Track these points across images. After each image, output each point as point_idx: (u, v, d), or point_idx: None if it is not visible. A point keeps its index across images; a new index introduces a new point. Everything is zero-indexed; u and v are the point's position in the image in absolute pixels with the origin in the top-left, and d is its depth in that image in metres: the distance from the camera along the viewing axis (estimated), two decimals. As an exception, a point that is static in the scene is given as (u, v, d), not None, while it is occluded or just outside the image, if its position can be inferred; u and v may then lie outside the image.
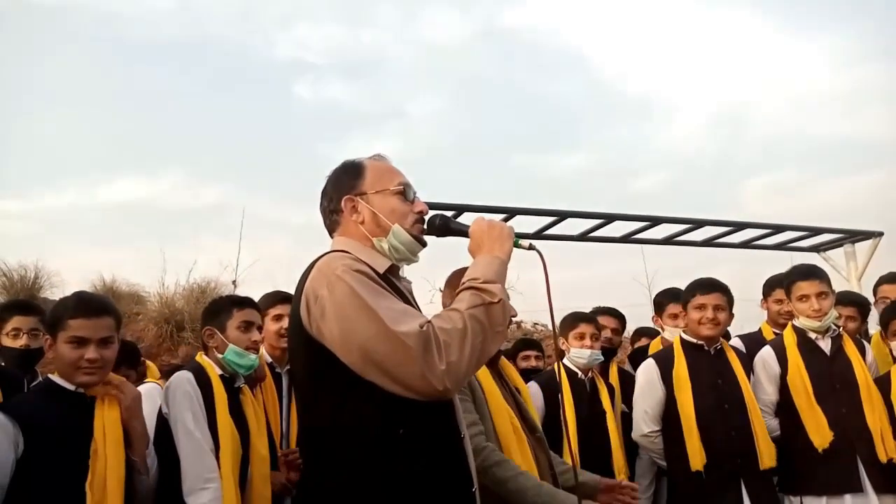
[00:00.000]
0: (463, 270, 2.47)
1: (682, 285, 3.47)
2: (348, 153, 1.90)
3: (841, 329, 3.45)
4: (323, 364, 1.60)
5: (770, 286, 4.07)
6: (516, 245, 1.80)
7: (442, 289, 2.55)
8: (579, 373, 3.50)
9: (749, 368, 3.33)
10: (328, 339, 1.59)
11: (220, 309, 2.77)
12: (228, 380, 2.68)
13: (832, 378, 3.23)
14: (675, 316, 3.88)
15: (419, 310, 1.84)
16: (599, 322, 3.65)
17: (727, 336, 3.97)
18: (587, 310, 4.06)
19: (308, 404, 1.73)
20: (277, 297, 3.31)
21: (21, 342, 3.11)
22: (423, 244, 1.85)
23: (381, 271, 1.73)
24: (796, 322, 3.39)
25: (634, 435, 3.35)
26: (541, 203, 4.23)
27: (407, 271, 1.94)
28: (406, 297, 1.78)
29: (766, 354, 3.39)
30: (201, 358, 2.71)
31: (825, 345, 3.32)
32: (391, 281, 1.76)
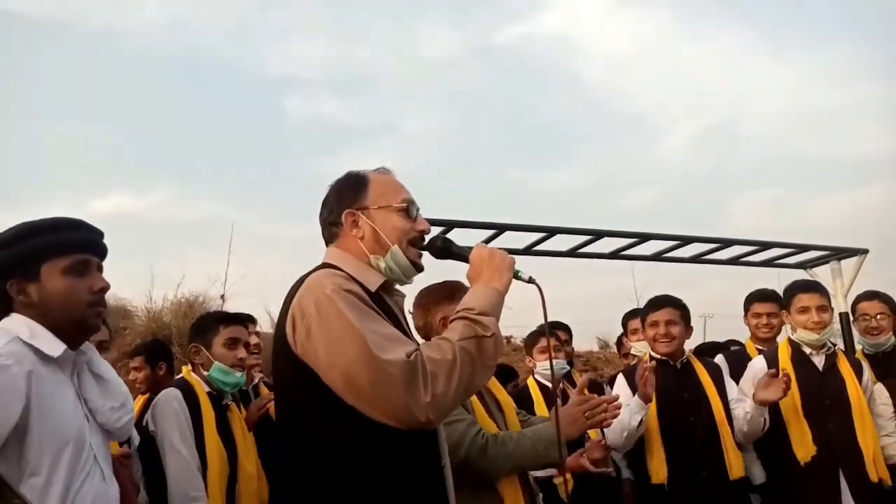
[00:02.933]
0: (432, 288, 2.53)
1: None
2: (340, 168, 1.88)
3: (836, 347, 3.47)
4: (305, 383, 1.57)
5: (749, 301, 4.11)
6: (516, 276, 1.77)
7: (412, 310, 2.54)
8: (550, 385, 3.60)
9: (721, 381, 3.32)
10: (312, 360, 1.56)
11: (207, 325, 2.75)
12: (216, 397, 2.66)
13: (822, 394, 3.24)
14: (636, 331, 3.98)
15: (409, 327, 1.84)
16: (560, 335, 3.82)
17: (712, 353, 4.01)
18: (576, 325, 4.21)
19: (289, 422, 1.70)
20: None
21: None
22: (419, 269, 1.83)
23: (374, 289, 1.70)
24: (793, 335, 3.42)
25: (609, 443, 3.33)
26: (532, 218, 4.24)
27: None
28: (397, 317, 1.75)
29: (758, 363, 3.40)
30: (189, 374, 2.69)
31: (818, 360, 3.34)
32: (383, 299, 1.73)
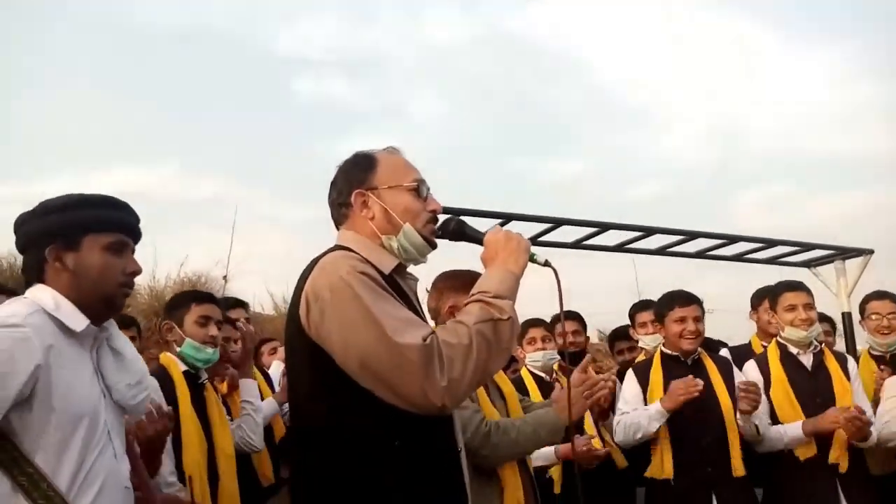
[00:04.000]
0: (451, 274, 2.52)
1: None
2: (346, 150, 1.84)
3: (822, 345, 3.50)
4: (320, 366, 1.56)
5: (759, 297, 4.14)
6: (532, 260, 1.74)
7: (428, 289, 2.54)
8: (545, 375, 3.60)
9: (730, 377, 3.33)
10: (327, 343, 1.54)
11: (180, 303, 2.78)
12: (193, 375, 2.69)
13: (813, 393, 3.27)
14: (645, 325, 3.93)
15: (422, 310, 1.82)
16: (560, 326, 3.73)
17: (716, 348, 4.02)
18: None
19: (301, 405, 1.69)
20: (229, 304, 3.56)
21: None
22: (434, 246, 1.79)
23: (388, 272, 1.68)
24: (780, 336, 3.44)
25: (617, 439, 3.36)
26: (536, 207, 4.23)
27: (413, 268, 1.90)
28: (410, 300, 1.74)
29: (750, 368, 3.43)
30: (165, 356, 2.71)
31: (807, 360, 3.37)
32: (397, 282, 1.71)
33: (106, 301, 1.75)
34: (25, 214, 1.76)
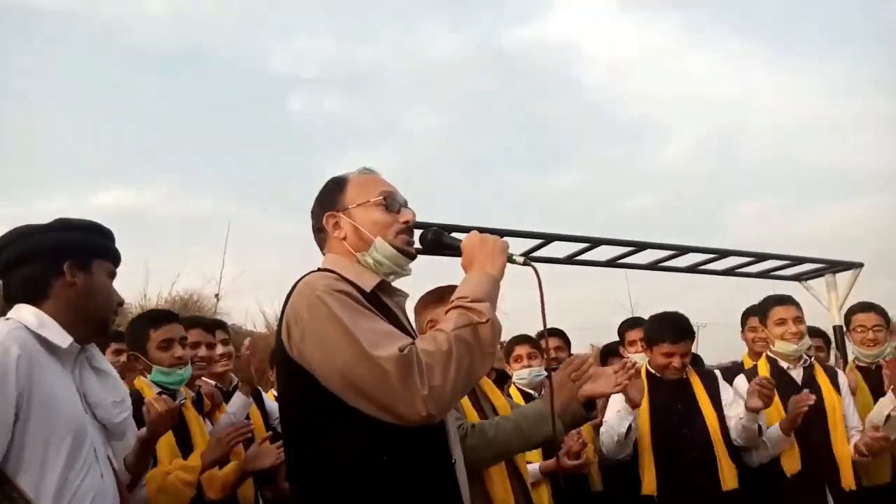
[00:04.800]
0: (427, 293, 2.51)
1: (665, 308, 3.47)
2: (342, 168, 1.87)
3: (812, 359, 3.52)
4: (305, 387, 1.56)
5: (746, 315, 4.20)
6: (510, 260, 1.73)
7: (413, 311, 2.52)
8: (533, 392, 3.59)
9: (716, 392, 3.33)
10: (308, 363, 1.55)
11: (137, 332, 2.70)
12: (169, 396, 2.66)
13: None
14: (634, 343, 3.94)
15: (411, 326, 1.82)
16: (544, 343, 3.71)
17: (702, 361, 4.04)
18: (570, 332, 4.16)
19: (292, 427, 1.70)
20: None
21: None
22: (411, 256, 1.79)
23: (369, 289, 1.68)
24: (770, 351, 3.47)
25: (605, 450, 3.32)
26: (531, 221, 4.28)
27: (404, 285, 1.89)
28: (396, 316, 1.74)
29: (740, 383, 3.44)
30: (138, 380, 2.65)
31: (797, 374, 3.40)
32: (381, 299, 1.72)
33: (102, 323, 1.81)
34: (36, 226, 1.77)
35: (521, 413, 2.24)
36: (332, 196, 1.81)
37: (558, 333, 4.25)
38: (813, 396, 3.07)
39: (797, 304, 3.47)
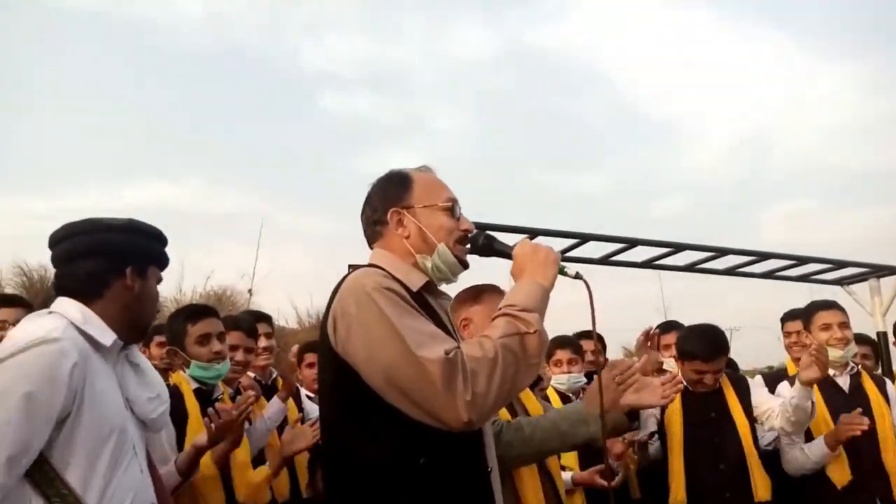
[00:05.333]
0: (463, 290, 2.48)
1: (698, 311, 3.42)
2: (371, 165, 1.88)
3: (859, 367, 3.41)
4: (347, 383, 1.56)
5: (782, 320, 4.08)
6: (562, 272, 1.72)
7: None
8: (571, 395, 3.54)
9: (747, 398, 3.25)
10: (353, 359, 1.55)
11: (176, 326, 2.72)
12: (206, 392, 2.68)
13: None
14: (669, 346, 3.84)
15: (454, 330, 1.80)
16: (580, 345, 3.65)
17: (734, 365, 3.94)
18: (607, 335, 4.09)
19: (331, 422, 1.70)
20: (252, 317, 3.42)
21: (4, 335, 3.01)
22: (465, 266, 1.80)
23: (416, 289, 1.68)
24: None
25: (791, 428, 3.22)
26: (560, 222, 4.18)
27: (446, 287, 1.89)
28: (440, 318, 1.73)
29: (784, 389, 3.34)
30: (177, 375, 2.70)
31: (843, 381, 3.30)
32: (426, 299, 1.71)
33: (145, 328, 1.88)
34: (104, 223, 1.79)
35: (560, 413, 2.20)
36: (396, 191, 1.79)
37: (590, 336, 4.16)
38: (867, 420, 2.97)
39: (843, 309, 3.36)
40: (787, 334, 3.98)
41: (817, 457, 3.09)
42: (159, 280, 1.88)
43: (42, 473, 1.51)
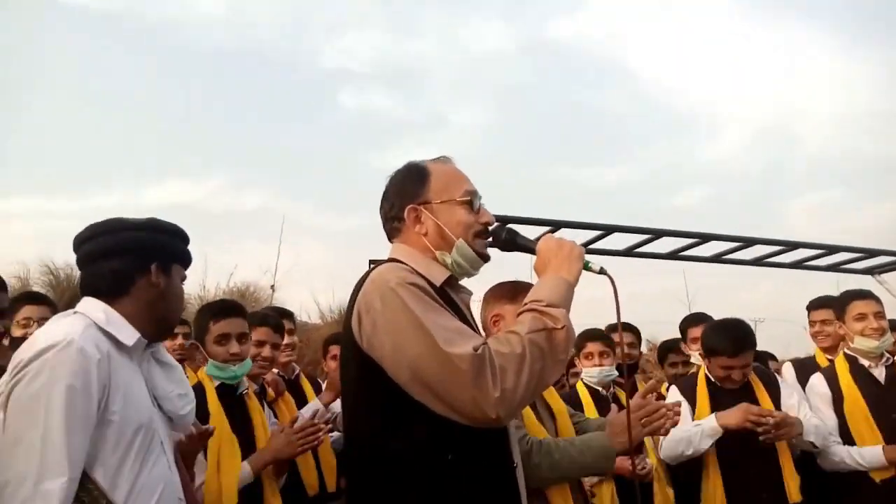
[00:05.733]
0: (499, 284, 2.45)
1: (723, 303, 3.36)
2: (390, 161, 1.84)
3: (895, 357, 3.31)
4: (373, 379, 1.55)
5: (809, 308, 4.03)
6: (586, 267, 1.70)
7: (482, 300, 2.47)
8: (601, 389, 3.48)
9: (778, 396, 3.16)
10: (378, 355, 1.53)
11: (200, 323, 2.72)
12: (231, 388, 2.67)
13: (887, 408, 3.10)
14: (696, 339, 3.75)
15: (476, 324, 1.79)
16: (614, 338, 3.58)
17: (763, 359, 3.85)
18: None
19: (355, 418, 1.68)
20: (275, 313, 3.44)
21: (30, 332, 2.99)
22: (486, 259, 1.78)
23: (439, 284, 1.67)
24: (848, 349, 3.28)
25: (662, 454, 3.19)
26: (582, 215, 4.12)
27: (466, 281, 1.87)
28: (463, 312, 1.71)
29: (817, 381, 3.28)
30: (200, 372, 2.70)
31: (879, 373, 3.21)
32: (448, 294, 1.69)
33: (171, 326, 1.89)
34: (127, 222, 1.80)
35: (585, 444, 2.17)
36: (413, 186, 1.77)
37: (630, 329, 4.09)
38: (777, 416, 2.87)
39: (877, 299, 3.29)
40: (812, 323, 3.93)
41: (871, 464, 3.01)
42: (184, 278, 1.88)
43: None
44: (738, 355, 3.05)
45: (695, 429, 2.97)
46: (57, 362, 1.50)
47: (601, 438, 2.17)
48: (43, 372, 1.49)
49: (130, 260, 1.75)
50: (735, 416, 2.87)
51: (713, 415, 2.94)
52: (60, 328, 1.59)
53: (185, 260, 1.90)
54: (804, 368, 3.60)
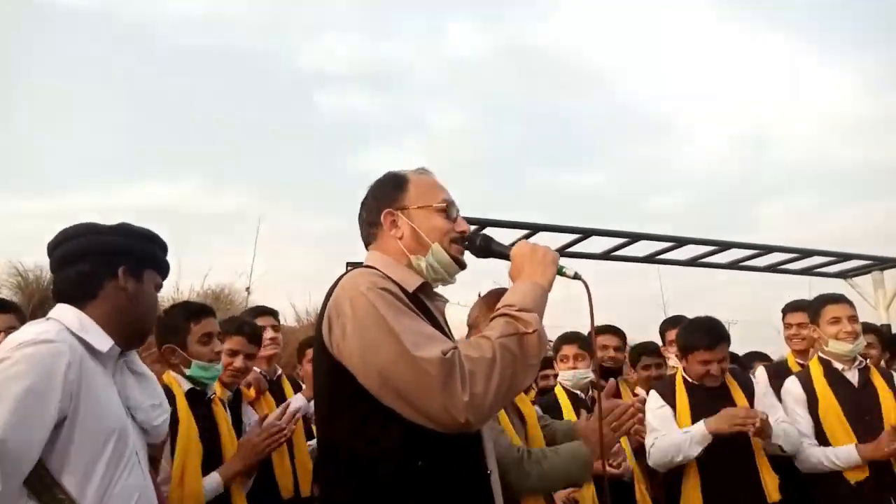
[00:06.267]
0: (496, 291, 2.43)
1: (698, 306, 3.37)
2: (368, 165, 1.86)
3: (868, 361, 3.36)
4: (343, 384, 1.52)
5: (784, 311, 4.02)
6: (560, 272, 1.69)
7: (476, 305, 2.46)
8: (579, 392, 3.48)
9: (752, 397, 3.17)
10: (347, 360, 1.51)
11: (178, 324, 2.63)
12: (199, 393, 2.61)
13: (860, 410, 3.11)
14: (673, 343, 3.72)
15: (450, 332, 1.76)
16: (600, 341, 3.57)
17: (745, 363, 3.87)
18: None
19: (326, 425, 1.66)
20: (258, 311, 3.56)
21: None
22: (462, 266, 1.77)
23: (412, 290, 1.64)
24: (822, 353, 3.30)
25: (651, 461, 3.18)
26: (558, 219, 4.11)
27: (444, 290, 1.85)
28: (436, 319, 1.69)
29: (792, 385, 3.28)
30: (167, 375, 2.59)
31: (852, 376, 3.22)
32: (421, 301, 1.67)
33: (143, 333, 1.81)
34: (99, 226, 1.76)
35: (570, 454, 2.16)
36: (392, 192, 1.77)
37: (614, 331, 4.05)
38: (761, 417, 2.88)
39: (851, 303, 3.31)
40: (788, 325, 3.92)
41: (846, 463, 3.02)
42: (158, 286, 1.84)
43: (38, 478, 1.46)
44: (715, 348, 3.06)
45: (684, 436, 2.97)
46: (28, 358, 1.47)
47: (585, 451, 2.15)
48: (15, 364, 1.45)
49: (98, 263, 1.71)
50: (724, 420, 2.89)
51: (702, 421, 2.95)
52: (33, 330, 1.55)
53: (160, 266, 1.85)
54: (777, 373, 3.61)
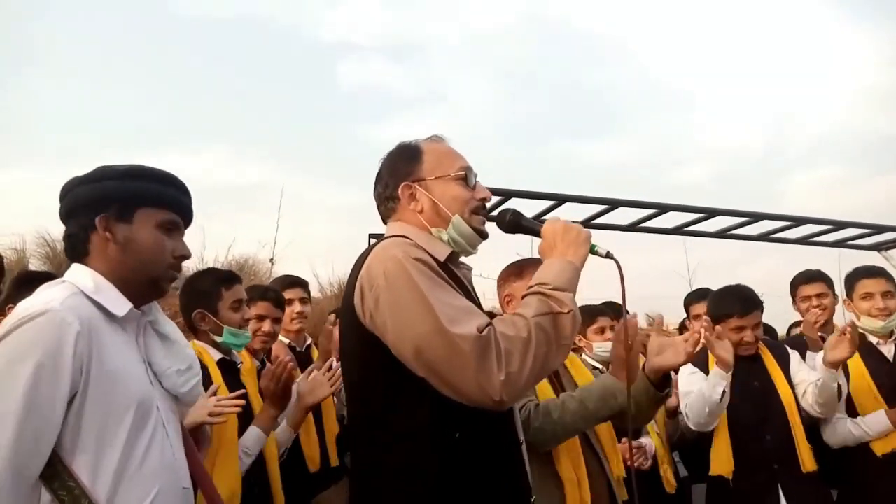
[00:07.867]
0: (519, 264, 2.39)
1: (723, 278, 3.28)
2: (390, 135, 1.79)
3: None
4: (375, 355, 1.51)
5: (794, 285, 3.85)
6: (592, 251, 1.67)
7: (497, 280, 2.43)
8: (603, 369, 3.37)
9: (788, 367, 3.13)
10: (381, 330, 1.49)
11: (209, 290, 2.59)
12: (229, 362, 2.60)
13: (894, 383, 3.05)
14: (699, 316, 3.68)
15: (478, 299, 1.74)
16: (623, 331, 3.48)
17: (774, 334, 3.78)
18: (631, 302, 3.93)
19: (358, 394, 1.64)
20: (287, 282, 3.49)
21: None
22: (484, 236, 1.74)
23: (442, 259, 1.62)
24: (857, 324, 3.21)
25: (690, 423, 3.09)
26: (582, 190, 4.02)
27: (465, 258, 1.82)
28: (467, 288, 1.66)
29: (820, 362, 3.20)
30: (194, 345, 2.50)
31: (887, 350, 3.17)
32: (451, 270, 1.64)
33: (151, 282, 1.60)
34: (77, 178, 1.61)
35: (586, 390, 2.14)
36: (406, 165, 1.74)
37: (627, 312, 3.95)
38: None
39: (888, 277, 3.22)
40: (805, 298, 3.73)
41: (876, 431, 2.98)
42: (164, 223, 1.61)
43: (48, 463, 1.35)
44: (748, 314, 3.03)
45: (703, 384, 2.91)
46: (30, 336, 1.35)
47: (601, 380, 2.15)
48: (15, 347, 1.35)
49: (78, 218, 1.56)
50: (718, 347, 2.81)
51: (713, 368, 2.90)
52: (41, 298, 1.44)
53: (159, 201, 1.61)
54: (797, 346, 3.52)
